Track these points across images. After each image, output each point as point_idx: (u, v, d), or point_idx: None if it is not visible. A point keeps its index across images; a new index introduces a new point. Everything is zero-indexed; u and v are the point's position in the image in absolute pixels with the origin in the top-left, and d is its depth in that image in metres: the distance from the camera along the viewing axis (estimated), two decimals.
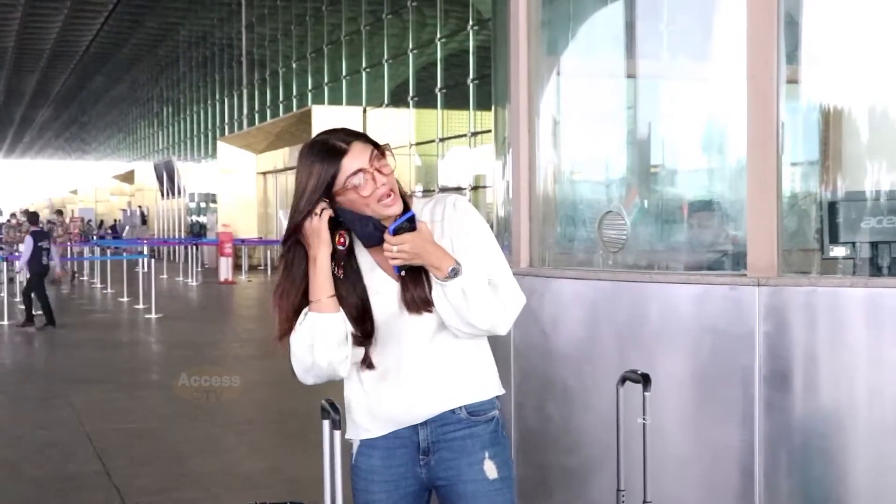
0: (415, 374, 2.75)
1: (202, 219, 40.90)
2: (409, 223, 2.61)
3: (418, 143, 27.26)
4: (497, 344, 2.92)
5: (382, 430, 2.77)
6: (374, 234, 2.68)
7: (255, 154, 35.14)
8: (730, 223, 5.03)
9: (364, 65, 30.80)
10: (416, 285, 2.71)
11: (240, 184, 35.32)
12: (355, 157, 2.68)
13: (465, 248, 2.70)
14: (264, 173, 35.46)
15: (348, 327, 2.70)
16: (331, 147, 2.70)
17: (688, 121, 5.52)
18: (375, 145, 2.73)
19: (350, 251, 2.74)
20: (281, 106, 37.65)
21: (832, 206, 4.47)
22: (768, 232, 4.32)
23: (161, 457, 7.72)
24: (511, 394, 5.09)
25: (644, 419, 3.09)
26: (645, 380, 2.91)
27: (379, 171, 2.68)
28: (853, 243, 4.38)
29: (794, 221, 5.08)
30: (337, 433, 2.81)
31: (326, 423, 2.85)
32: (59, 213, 33.92)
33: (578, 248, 5.58)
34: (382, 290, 2.74)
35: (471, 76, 24.44)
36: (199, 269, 29.01)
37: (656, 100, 5.79)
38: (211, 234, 35.25)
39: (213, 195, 38.62)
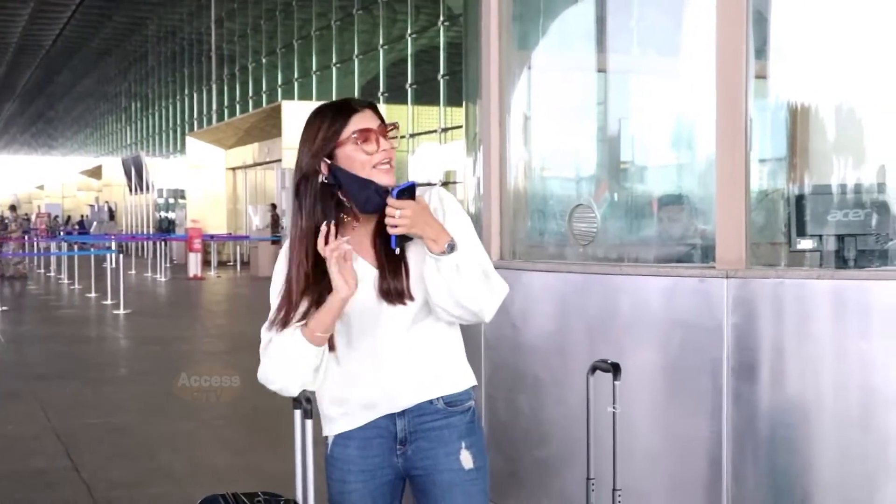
0: (392, 363, 2.75)
1: (171, 215, 40.71)
2: (409, 192, 2.58)
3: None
4: (468, 336, 2.93)
5: (359, 421, 2.77)
6: (373, 196, 2.64)
7: (224, 149, 34.99)
8: (699, 217, 5.09)
9: (334, 60, 30.77)
10: (395, 276, 2.70)
11: (209, 179, 35.17)
12: (366, 118, 2.71)
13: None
14: (234, 169, 35.33)
15: (325, 359, 2.72)
16: (344, 104, 2.74)
17: (658, 116, 5.58)
18: (384, 120, 2.76)
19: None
20: (251, 101, 37.59)
21: (799, 200, 4.54)
22: (737, 225, 4.38)
23: (130, 452, 7.70)
24: (482, 386, 5.13)
25: (614, 408, 3.13)
26: (615, 368, 2.95)
27: (383, 137, 2.71)
28: (819, 236, 4.45)
29: (762, 216, 5.15)
30: (309, 423, 2.82)
31: (298, 413, 2.86)
32: (13, 208, 33.30)
33: (549, 241, 5.62)
34: (360, 279, 2.69)
35: (441, 72, 24.51)
36: (168, 265, 28.88)
37: (627, 95, 5.84)
38: (180, 230, 35.11)
39: (182, 191, 38.45)
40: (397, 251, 2.66)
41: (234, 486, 2.91)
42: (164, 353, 13.04)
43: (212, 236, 30.99)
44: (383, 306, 2.73)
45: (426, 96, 25.41)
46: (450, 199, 2.79)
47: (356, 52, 29.35)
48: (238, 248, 32.25)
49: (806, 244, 4.48)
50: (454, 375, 2.82)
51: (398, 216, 2.58)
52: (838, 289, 4.19)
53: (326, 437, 2.84)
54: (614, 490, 3.34)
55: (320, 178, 2.69)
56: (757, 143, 5.26)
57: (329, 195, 2.69)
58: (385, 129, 2.73)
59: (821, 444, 4.25)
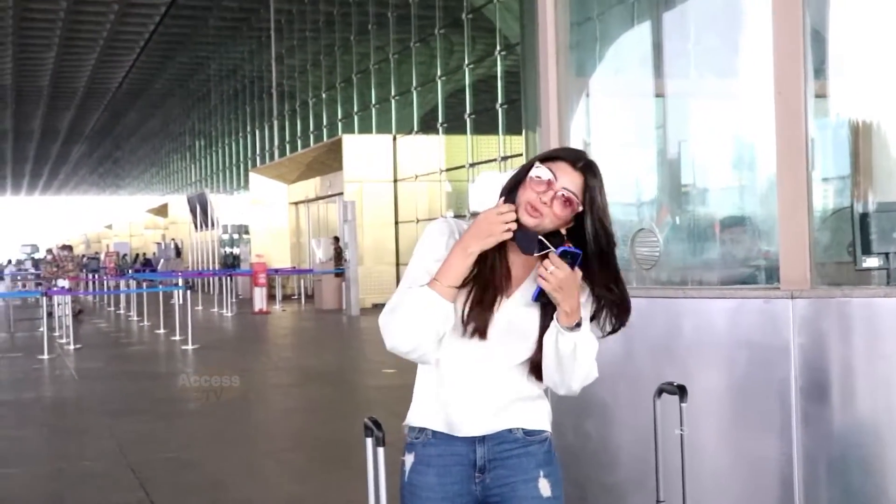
0: (496, 390, 2.79)
1: (235, 250, 41.12)
2: (571, 257, 2.60)
3: (448, 169, 27.34)
4: None
5: (442, 428, 2.79)
6: (531, 241, 2.65)
7: (286, 184, 35.33)
8: (762, 238, 5.05)
9: (393, 93, 30.97)
10: (548, 316, 2.73)
11: (272, 214, 35.51)
12: (558, 171, 2.69)
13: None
14: (296, 203, 35.64)
15: (448, 325, 2.72)
16: (555, 155, 2.75)
17: (717, 139, 5.56)
18: (588, 185, 2.70)
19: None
20: (311, 136, 37.89)
21: (864, 219, 4.50)
22: (800, 245, 4.35)
23: (203, 484, 7.79)
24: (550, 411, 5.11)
25: (682, 430, 3.12)
26: (681, 391, 2.95)
27: (557, 198, 2.67)
28: (886, 254, 4.41)
29: (827, 235, 5.10)
30: (381, 450, 2.84)
31: (370, 441, 2.88)
32: (66, 248, 32.92)
33: None
34: (522, 303, 2.75)
35: (499, 101, 24.55)
36: (234, 300, 29.16)
37: (686, 118, 5.82)
38: (244, 265, 35.43)
39: (246, 226, 38.84)
40: (534, 302, 2.70)
41: None
42: (232, 387, 13.14)
43: (276, 270, 31.24)
44: (511, 350, 2.77)
45: (485, 125, 25.46)
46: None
47: (414, 83, 29.52)
48: (302, 281, 32.45)
49: (872, 262, 4.44)
50: (536, 414, 2.86)
51: (550, 272, 2.60)
52: None
53: (403, 463, 2.85)
54: None
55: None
56: (820, 162, 5.23)
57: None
58: (575, 194, 2.66)
59: (894, 464, 4.19)
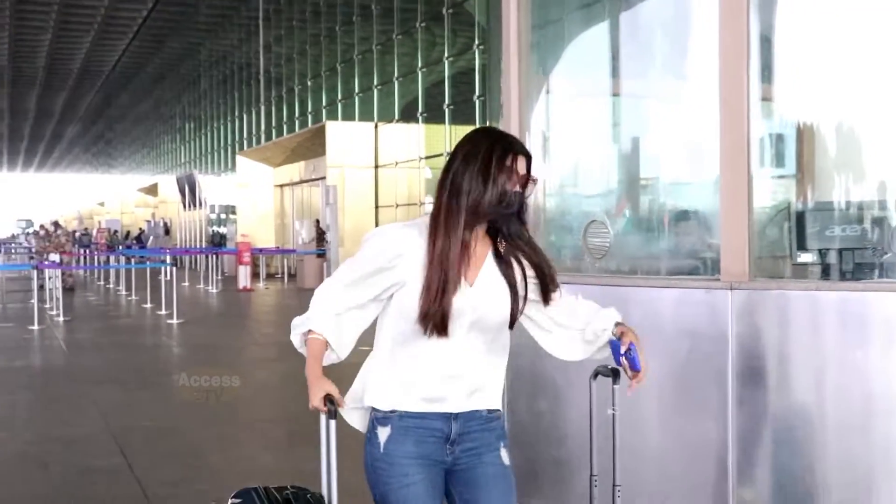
0: (471, 372, 2.94)
1: (222, 229, 41.09)
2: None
3: (427, 157, 27.39)
4: None
5: (420, 408, 2.91)
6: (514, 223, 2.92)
7: (272, 167, 35.28)
8: (707, 232, 5.13)
9: (376, 82, 30.96)
10: (517, 300, 2.95)
11: (257, 196, 35.48)
12: (522, 165, 2.90)
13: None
14: (281, 186, 35.61)
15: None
16: (515, 142, 2.96)
17: (669, 137, 5.63)
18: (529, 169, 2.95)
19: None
20: (297, 121, 37.84)
21: (800, 216, 4.59)
22: (740, 240, 4.43)
23: (180, 451, 7.84)
24: (505, 391, 5.19)
25: (613, 410, 3.24)
26: (614, 373, 3.07)
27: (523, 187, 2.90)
28: (819, 250, 4.49)
29: (774, 230, 5.18)
30: (332, 423, 2.93)
31: (323, 415, 2.96)
32: (56, 224, 32.29)
33: (567, 255, 5.68)
34: (486, 295, 2.91)
35: (477, 93, 24.58)
36: (219, 277, 29.13)
37: (640, 117, 5.89)
38: (230, 244, 35.40)
39: (233, 207, 38.78)
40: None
41: (275, 483, 3.01)
42: (213, 360, 13.20)
43: (260, 250, 31.23)
44: (492, 320, 2.92)
45: (463, 116, 25.49)
46: None
47: (396, 74, 29.51)
48: (285, 261, 32.45)
49: (806, 258, 4.53)
50: (499, 392, 3.05)
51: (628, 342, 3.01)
52: (837, 300, 4.22)
53: (376, 436, 2.94)
54: (614, 486, 3.45)
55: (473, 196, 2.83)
56: (768, 161, 5.32)
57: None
58: (527, 179, 2.90)
59: (823, 448, 4.27)
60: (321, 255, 26.85)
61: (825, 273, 4.56)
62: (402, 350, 2.92)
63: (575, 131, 5.91)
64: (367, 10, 31.14)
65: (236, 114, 47.05)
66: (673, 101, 5.57)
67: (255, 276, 29.15)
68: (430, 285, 2.81)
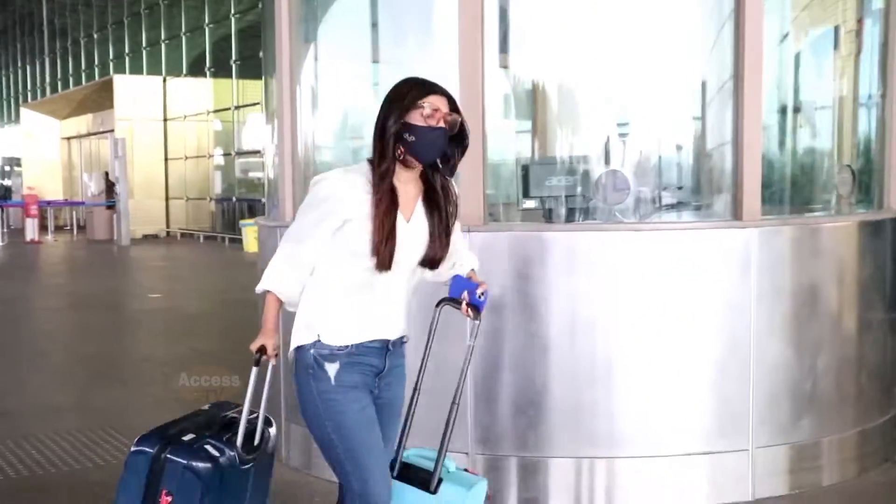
0: (400, 303, 3.27)
1: (7, 182, 39.67)
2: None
3: (216, 111, 27.42)
4: None
5: (360, 339, 3.18)
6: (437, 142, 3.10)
7: (58, 120, 34.37)
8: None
9: (163, 36, 30.57)
10: (443, 248, 3.29)
11: (44, 148, 34.53)
12: (439, 99, 3.13)
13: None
14: (68, 138, 34.73)
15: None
16: (428, 83, 3.18)
17: None
18: (453, 104, 3.18)
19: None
20: (83, 74, 36.86)
21: (525, 168, 5.31)
22: (477, 190, 5.05)
23: None
24: None
25: (471, 342, 3.61)
26: (475, 310, 3.33)
27: (444, 119, 3.10)
28: (540, 198, 5.22)
29: (506, 181, 5.87)
30: (254, 369, 3.28)
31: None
32: None
33: None
34: (414, 226, 3.19)
35: (262, 49, 24.70)
36: (6, 230, 28.27)
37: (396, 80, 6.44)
38: (16, 197, 34.32)
39: (18, 159, 37.52)
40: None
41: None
42: (6, 312, 13.10)
43: (48, 202, 30.47)
44: (415, 260, 3.25)
45: (249, 71, 25.56)
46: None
47: (184, 29, 29.25)
48: (74, 213, 31.77)
49: (529, 204, 5.25)
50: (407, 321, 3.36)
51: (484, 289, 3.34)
52: (552, 238, 4.90)
53: (325, 372, 3.15)
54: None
55: (393, 129, 3.07)
56: (512, 120, 6.02)
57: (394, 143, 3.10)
58: (447, 115, 3.12)
59: (544, 360, 4.93)
60: (111, 206, 26.56)
61: (547, 217, 5.29)
62: (353, 287, 3.15)
63: (342, 88, 6.41)
64: None
65: (19, 65, 45.26)
66: (422, 67, 6.16)
67: (43, 228, 28.47)
68: (381, 223, 3.07)
